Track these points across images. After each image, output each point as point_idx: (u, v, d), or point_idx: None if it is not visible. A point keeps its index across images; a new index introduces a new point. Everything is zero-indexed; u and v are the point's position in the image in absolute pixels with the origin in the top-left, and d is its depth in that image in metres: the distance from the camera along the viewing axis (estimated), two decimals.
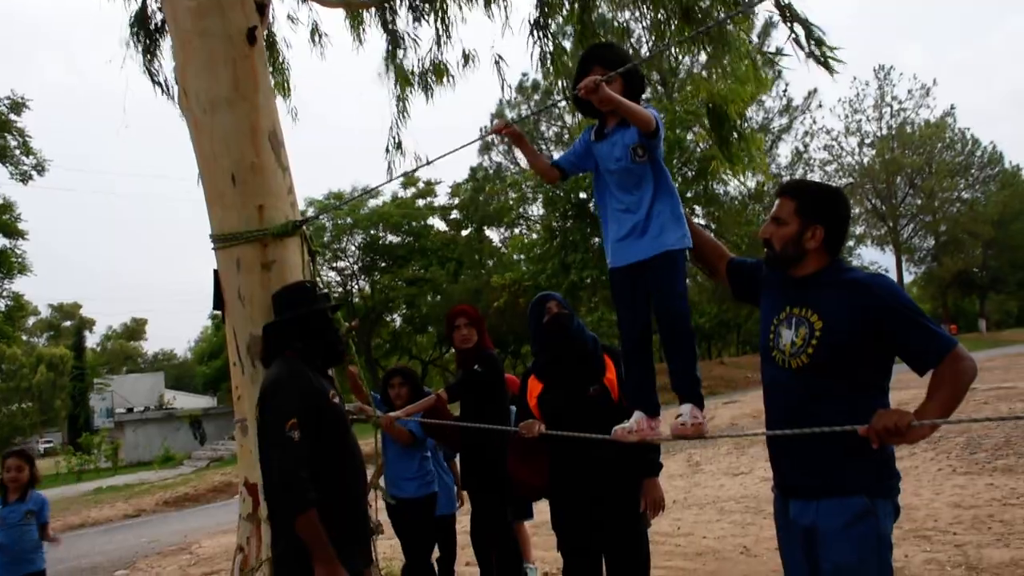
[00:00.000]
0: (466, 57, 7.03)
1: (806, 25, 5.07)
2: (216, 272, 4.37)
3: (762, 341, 2.79)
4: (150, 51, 7.86)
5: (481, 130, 33.49)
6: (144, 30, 7.78)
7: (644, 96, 3.19)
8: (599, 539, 3.67)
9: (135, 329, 78.03)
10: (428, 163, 4.23)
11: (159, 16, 7.93)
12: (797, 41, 5.10)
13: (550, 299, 3.94)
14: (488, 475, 4.56)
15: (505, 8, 6.47)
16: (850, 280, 2.59)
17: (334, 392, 3.46)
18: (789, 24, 5.09)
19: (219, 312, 4.75)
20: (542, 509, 4.53)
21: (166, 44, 7.79)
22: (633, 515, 3.65)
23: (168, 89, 7.58)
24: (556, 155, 3.38)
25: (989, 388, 13.43)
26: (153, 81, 7.35)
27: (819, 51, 5.12)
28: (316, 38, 7.74)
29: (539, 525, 5.68)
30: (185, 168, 9.02)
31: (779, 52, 5.64)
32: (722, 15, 5.50)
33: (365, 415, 4.63)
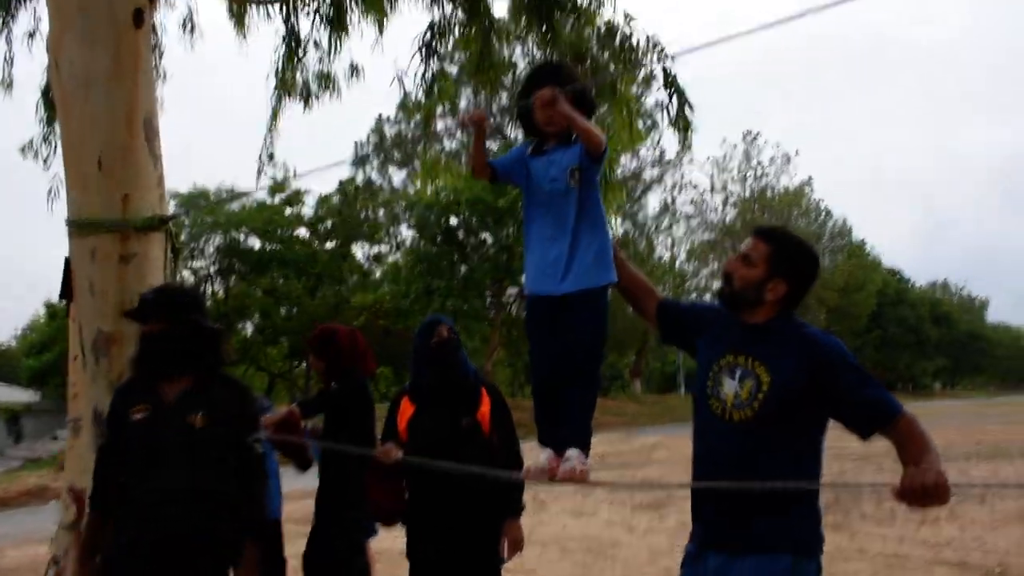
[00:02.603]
0: (354, 69, 6.94)
1: (681, 96, 5.32)
2: (67, 259, 4.08)
3: (698, 385, 2.68)
4: (12, 13, 7.40)
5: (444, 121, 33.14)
6: None
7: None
8: (453, 572, 3.60)
9: None
10: (304, 174, 4.12)
11: None
12: (667, 108, 5.35)
13: (441, 323, 3.86)
14: (342, 494, 4.40)
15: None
16: (801, 335, 2.52)
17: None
18: (668, 90, 5.31)
19: (64, 302, 4.45)
20: (385, 536, 4.42)
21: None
22: (491, 552, 3.61)
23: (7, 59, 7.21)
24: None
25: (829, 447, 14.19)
26: None
27: (683, 123, 5.40)
28: (188, 28, 7.48)
29: (381, 552, 5.54)
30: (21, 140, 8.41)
31: (651, 117, 5.90)
32: (612, 67, 5.68)
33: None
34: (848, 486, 3.28)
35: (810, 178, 49.59)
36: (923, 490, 2.14)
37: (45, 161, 7.79)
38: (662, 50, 5.13)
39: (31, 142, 7.66)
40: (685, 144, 5.43)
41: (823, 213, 51.13)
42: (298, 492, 7.15)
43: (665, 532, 8.62)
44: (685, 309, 2.96)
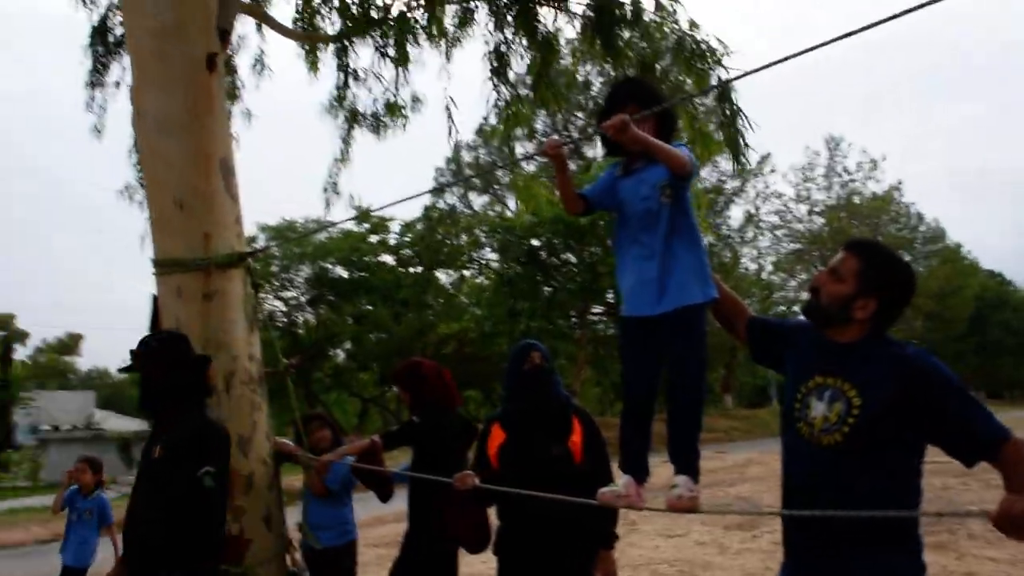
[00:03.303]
0: (415, 99, 7.07)
1: (735, 115, 5.26)
2: (155, 298, 4.25)
3: (786, 407, 2.57)
4: (105, 65, 7.78)
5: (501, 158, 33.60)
6: (103, 43, 7.70)
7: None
8: None
9: (69, 344, 75.47)
10: (385, 206, 4.22)
11: (120, 30, 7.86)
12: (722, 126, 5.29)
13: (534, 349, 3.82)
14: (429, 525, 4.42)
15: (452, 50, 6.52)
16: (894, 354, 2.39)
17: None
18: (722, 108, 5.25)
19: None
20: (473, 560, 4.43)
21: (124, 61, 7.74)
22: None
23: (100, 106, 7.58)
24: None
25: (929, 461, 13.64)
26: (89, 102, 7.37)
27: (735, 142, 5.34)
28: (259, 68, 7.73)
29: None
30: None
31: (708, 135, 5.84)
32: (685, 80, 5.64)
33: (295, 457, 4.48)
34: (943, 515, 3.12)
35: (900, 182, 48.15)
36: (1021, 519, 2.02)
37: (141, 205, 8.19)
38: (719, 71, 5.09)
39: (126, 187, 8.03)
40: (739, 163, 5.36)
41: (914, 218, 49.39)
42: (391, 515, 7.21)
43: (759, 553, 8.39)
44: (775, 326, 2.87)
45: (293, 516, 4.49)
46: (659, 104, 2.81)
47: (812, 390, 2.47)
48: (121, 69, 7.85)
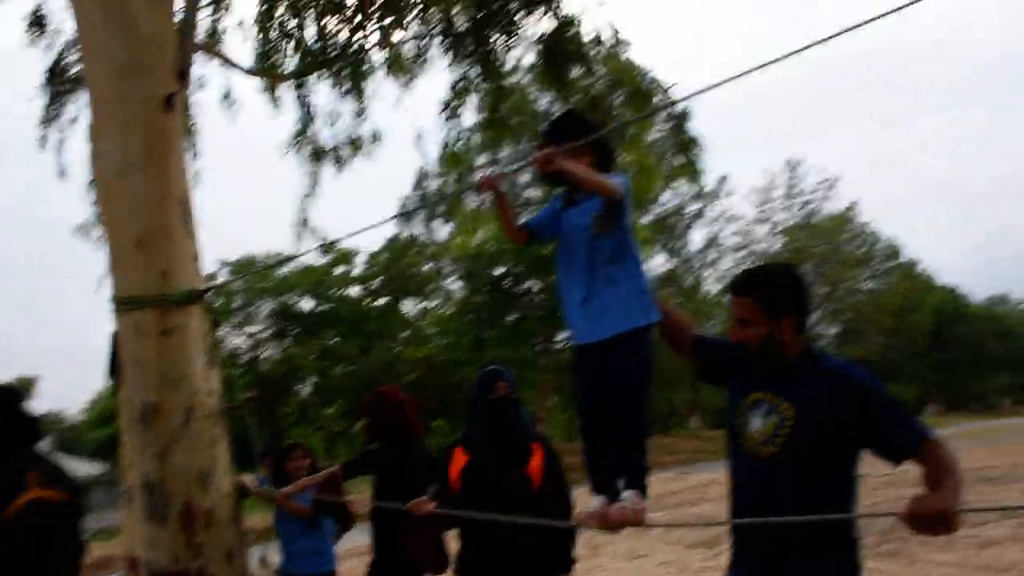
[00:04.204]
0: (374, 136, 7.18)
1: (690, 142, 5.46)
2: (114, 336, 4.28)
3: (729, 423, 2.71)
4: (59, 105, 7.80)
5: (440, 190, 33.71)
6: (60, 82, 7.73)
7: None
8: None
9: (23, 388, 74.04)
10: (345, 237, 4.30)
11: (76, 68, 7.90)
12: (678, 152, 5.49)
13: (500, 378, 3.89)
14: (395, 553, 4.48)
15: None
16: (825, 368, 2.56)
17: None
18: (677, 136, 5.45)
19: (113, 377, 4.64)
20: None
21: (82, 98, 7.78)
22: None
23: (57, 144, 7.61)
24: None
25: (880, 475, 13.86)
26: (43, 140, 7.43)
27: (687, 165, 5.53)
28: (227, 103, 7.78)
29: None
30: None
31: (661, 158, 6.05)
32: (628, 115, 5.80)
33: (250, 491, 4.49)
34: (859, 517, 3.26)
35: (855, 202, 49.08)
36: (929, 517, 2.15)
37: (98, 240, 8.19)
38: (670, 100, 5.28)
39: (84, 224, 8.02)
40: (696, 186, 5.59)
41: (871, 235, 50.37)
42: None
43: (719, 571, 8.43)
44: (719, 346, 2.97)
45: (257, 553, 4.52)
46: (593, 135, 2.90)
47: (751, 406, 2.62)
48: (75, 108, 7.88)
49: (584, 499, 2.96)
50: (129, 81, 4.16)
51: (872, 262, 50.90)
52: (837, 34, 2.31)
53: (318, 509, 4.92)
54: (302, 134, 6.87)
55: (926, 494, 2.24)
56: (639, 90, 5.55)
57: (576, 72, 5.66)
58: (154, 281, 4.07)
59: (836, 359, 2.67)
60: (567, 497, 3.80)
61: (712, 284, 44.56)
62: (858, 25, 2.26)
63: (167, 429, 3.94)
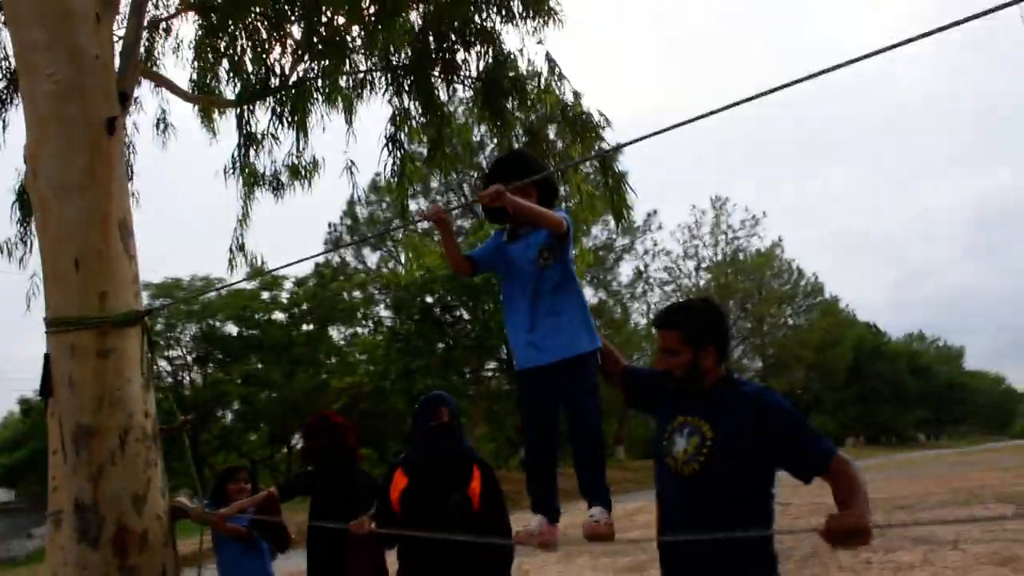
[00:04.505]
0: (314, 163, 7.24)
1: (618, 180, 5.72)
2: (47, 356, 4.25)
3: (655, 446, 2.90)
4: None
5: (399, 219, 33.41)
6: None
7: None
8: None
9: None
10: (277, 268, 4.35)
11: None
12: (606, 189, 5.76)
13: (443, 404, 4.00)
14: (335, 571, 4.52)
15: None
16: (742, 392, 2.77)
17: None
18: (604, 177, 5.71)
19: (43, 398, 4.59)
20: None
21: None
22: None
23: None
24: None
25: (803, 503, 14.28)
26: None
27: (618, 204, 5.81)
28: (162, 128, 7.73)
29: None
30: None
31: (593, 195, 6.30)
32: (570, 146, 6.04)
33: (186, 513, 4.47)
34: (780, 532, 3.45)
35: (780, 239, 50.62)
36: (845, 532, 2.35)
37: (20, 261, 7.96)
38: (599, 141, 5.55)
39: (6, 242, 7.82)
40: (621, 223, 5.83)
41: (795, 273, 51.90)
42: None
43: None
44: (646, 375, 3.18)
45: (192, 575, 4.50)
46: (538, 174, 3.08)
47: (676, 429, 2.82)
48: (1, 123, 7.72)
49: (520, 523, 3.08)
50: (71, 102, 4.17)
51: (795, 299, 52.38)
52: (751, 98, 2.52)
53: (255, 530, 4.93)
54: (242, 160, 6.88)
55: (841, 512, 2.43)
56: (577, 122, 5.78)
57: (513, 105, 5.87)
58: (92, 303, 4.07)
59: (753, 384, 2.90)
60: (506, 520, 3.91)
61: (640, 316, 45.22)
62: (790, 84, 2.47)
63: (102, 451, 3.94)
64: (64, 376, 4.07)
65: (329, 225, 40.27)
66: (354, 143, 6.74)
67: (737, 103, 2.56)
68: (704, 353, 2.81)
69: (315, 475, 4.69)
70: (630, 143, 3.12)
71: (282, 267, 4.77)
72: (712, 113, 2.62)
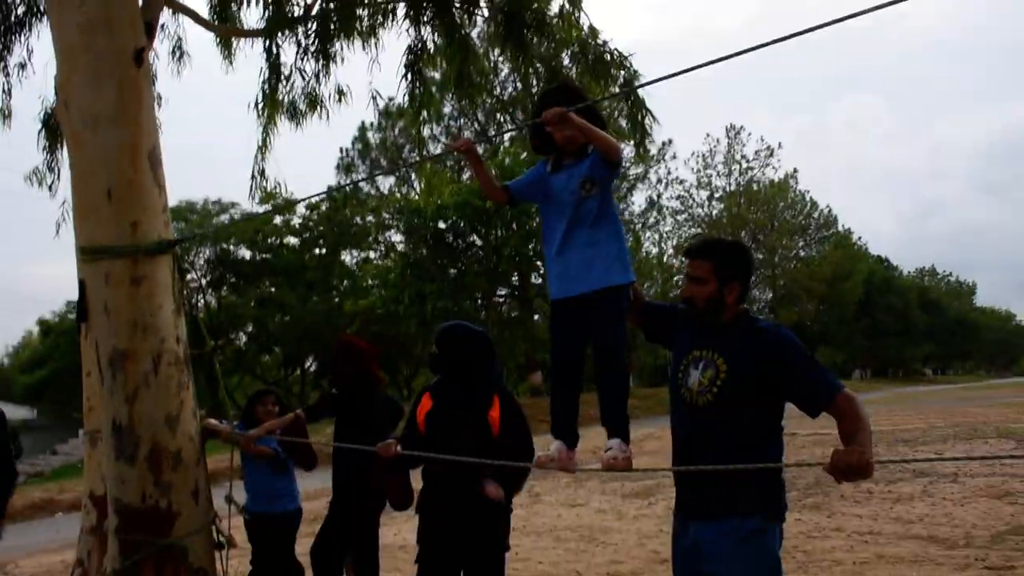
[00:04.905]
0: (340, 92, 7.26)
1: (642, 111, 5.73)
2: (82, 283, 4.40)
3: (671, 378, 3.04)
4: (7, 47, 7.66)
5: (428, 151, 33.28)
6: (5, 23, 7.59)
7: None
8: (461, 558, 3.87)
9: None
10: (298, 201, 4.45)
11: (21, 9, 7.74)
12: (630, 118, 5.76)
13: (457, 334, 4.17)
14: (354, 490, 4.79)
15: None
16: (756, 328, 2.89)
17: None
18: (629, 105, 5.71)
19: (79, 323, 4.76)
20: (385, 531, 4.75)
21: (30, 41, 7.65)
22: (495, 541, 3.91)
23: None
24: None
25: (808, 434, 14.58)
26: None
27: (640, 135, 5.82)
28: (178, 56, 7.73)
29: (383, 547, 5.87)
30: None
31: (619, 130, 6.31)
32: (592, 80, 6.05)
33: (218, 434, 4.68)
34: (792, 465, 3.62)
35: (795, 170, 50.06)
36: (848, 467, 2.49)
37: (51, 188, 8.05)
38: (629, 72, 5.55)
39: (35, 170, 7.91)
40: (642, 151, 5.87)
41: (808, 204, 51.47)
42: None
43: (654, 518, 9.01)
44: (664, 310, 3.32)
45: (222, 492, 4.73)
46: (585, 103, 3.11)
47: (691, 361, 2.96)
48: (26, 50, 7.74)
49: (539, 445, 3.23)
50: (99, 34, 4.22)
51: (808, 231, 52.11)
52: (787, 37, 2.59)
53: (282, 451, 5.17)
54: (271, 89, 6.88)
55: (845, 448, 2.57)
56: (599, 58, 5.78)
57: (536, 40, 5.86)
58: (124, 232, 4.20)
59: (766, 321, 3.03)
60: (530, 444, 4.07)
61: (652, 245, 45.19)
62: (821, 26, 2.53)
63: (136, 374, 4.11)
64: (99, 302, 4.22)
65: (341, 150, 40.01)
66: (378, 71, 6.76)
67: (766, 44, 2.64)
68: (728, 288, 2.94)
69: (339, 398, 4.90)
70: (659, 80, 3.16)
71: (307, 199, 4.83)
72: (740, 53, 2.70)
